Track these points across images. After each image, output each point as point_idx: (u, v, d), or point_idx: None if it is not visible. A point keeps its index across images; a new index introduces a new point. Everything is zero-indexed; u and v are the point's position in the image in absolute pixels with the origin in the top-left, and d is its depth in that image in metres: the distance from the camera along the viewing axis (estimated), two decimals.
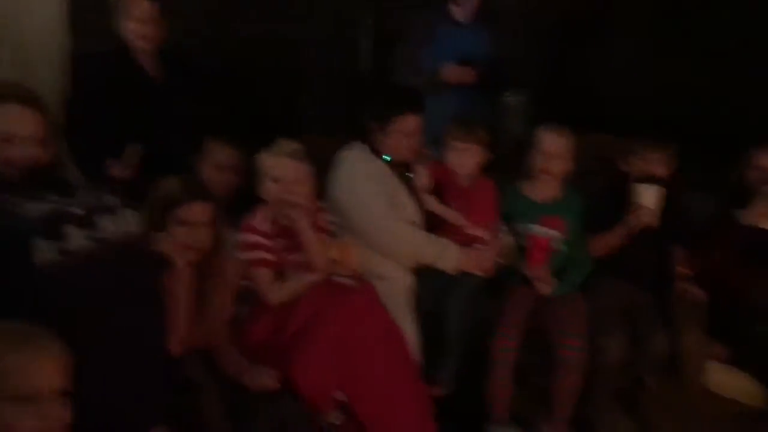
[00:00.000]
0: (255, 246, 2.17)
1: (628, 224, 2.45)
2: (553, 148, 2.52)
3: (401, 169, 2.49)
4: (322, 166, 2.40)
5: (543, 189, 2.59)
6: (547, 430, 2.38)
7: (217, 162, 2.43)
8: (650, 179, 2.46)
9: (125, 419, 1.59)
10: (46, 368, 1.28)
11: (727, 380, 2.36)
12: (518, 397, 2.44)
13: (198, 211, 1.93)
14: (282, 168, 2.19)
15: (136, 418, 1.63)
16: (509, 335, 2.38)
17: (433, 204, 2.49)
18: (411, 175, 2.50)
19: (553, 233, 2.53)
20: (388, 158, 2.46)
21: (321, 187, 2.41)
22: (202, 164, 2.44)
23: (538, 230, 2.52)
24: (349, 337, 2.11)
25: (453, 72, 2.91)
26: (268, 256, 2.18)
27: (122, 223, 1.71)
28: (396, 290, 2.40)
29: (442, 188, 2.52)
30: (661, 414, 2.54)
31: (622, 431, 2.42)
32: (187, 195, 1.94)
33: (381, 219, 2.38)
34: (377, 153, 2.47)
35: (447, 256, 2.40)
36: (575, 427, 2.52)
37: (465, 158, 2.47)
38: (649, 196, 2.41)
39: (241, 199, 2.36)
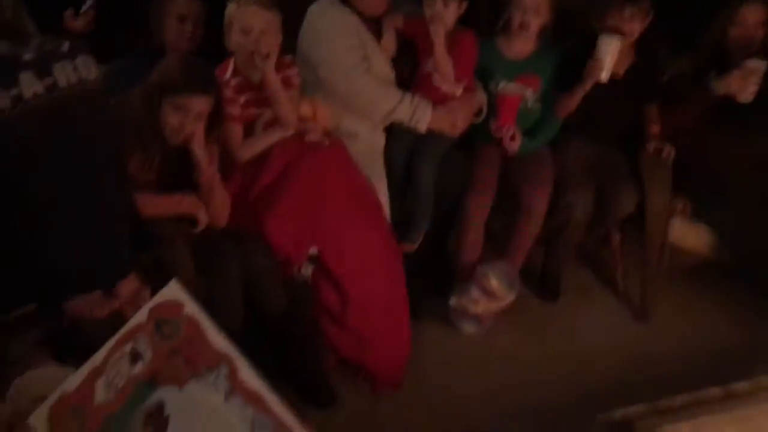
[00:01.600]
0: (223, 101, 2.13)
1: (584, 80, 2.40)
2: (531, 1, 2.43)
3: (373, 23, 2.40)
4: (291, 19, 2.31)
5: (519, 45, 2.52)
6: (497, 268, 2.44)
7: (178, 12, 2.32)
8: (616, 33, 2.39)
9: (91, 273, 1.61)
10: None
11: (688, 234, 2.44)
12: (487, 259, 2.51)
13: (196, 104, 1.90)
14: (250, 17, 2.10)
15: (103, 270, 1.64)
16: (480, 192, 2.41)
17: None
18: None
19: (526, 91, 2.50)
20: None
21: (291, 41, 2.33)
22: (162, 15, 2.33)
23: (511, 88, 2.48)
24: (321, 190, 2.12)
25: None
26: (236, 111, 2.14)
27: (80, 71, 1.64)
28: (367, 148, 2.39)
29: (418, 45, 2.44)
30: (623, 269, 2.66)
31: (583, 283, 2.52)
32: (191, 86, 1.89)
33: (352, 74, 2.31)
34: (349, 5, 2.37)
35: (419, 115, 2.36)
36: (537, 281, 2.64)
37: (441, 12, 2.36)
38: (606, 49, 2.35)
39: (206, 53, 2.28)
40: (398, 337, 2.23)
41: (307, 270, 2.17)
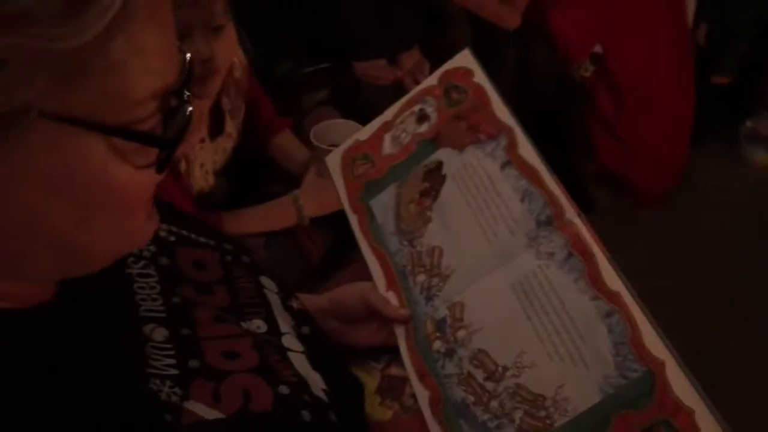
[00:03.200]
0: None
1: None
2: None
3: None
4: None
5: None
6: None
7: None
8: None
9: (381, 39, 1.67)
10: None
11: None
12: None
13: None
14: None
15: (391, 39, 1.69)
16: None
17: None
18: None
19: None
20: None
21: None
22: None
23: None
24: None
25: None
26: None
27: None
28: None
29: None
30: None
31: None
32: None
33: None
34: None
35: None
36: None
37: None
38: None
39: None
40: (672, 155, 2.08)
41: (587, 70, 2.05)
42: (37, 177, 0.39)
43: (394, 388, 0.90)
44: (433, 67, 1.74)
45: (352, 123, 1.26)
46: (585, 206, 2.17)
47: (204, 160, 1.19)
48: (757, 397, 1.56)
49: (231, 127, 1.24)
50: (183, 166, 1.12)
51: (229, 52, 1.10)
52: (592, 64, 2.02)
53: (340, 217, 1.29)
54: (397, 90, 1.77)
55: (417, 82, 1.72)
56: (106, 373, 0.48)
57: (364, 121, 1.30)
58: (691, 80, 2.07)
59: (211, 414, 0.49)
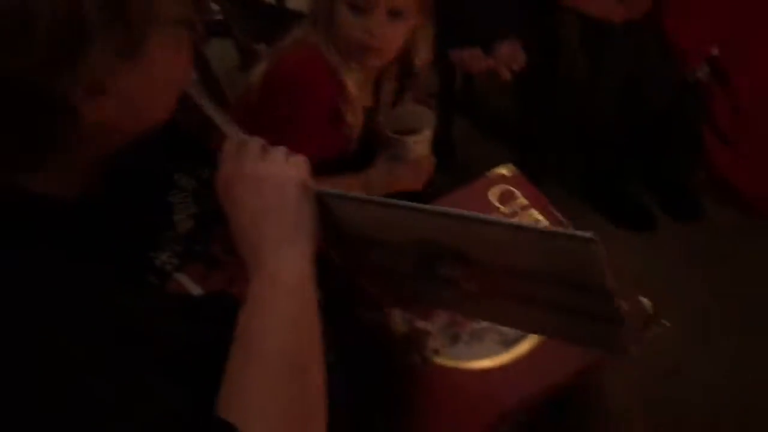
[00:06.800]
0: None
1: None
2: None
3: None
4: None
5: None
6: None
7: None
8: None
9: (480, 23, 1.65)
10: None
11: None
12: None
13: None
14: None
15: (490, 25, 1.66)
16: None
17: None
18: None
19: None
20: None
21: None
22: None
23: None
24: None
25: None
26: None
27: None
28: None
29: None
30: None
31: None
32: None
33: None
34: None
35: None
36: None
37: None
38: None
39: None
40: None
41: (703, 72, 1.96)
42: None
43: (417, 340, 0.97)
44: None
45: (422, 108, 1.27)
46: (693, 213, 2.11)
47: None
48: None
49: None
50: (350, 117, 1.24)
51: (398, 39, 1.20)
52: (708, 67, 1.94)
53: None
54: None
55: (512, 72, 1.72)
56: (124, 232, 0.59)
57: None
58: None
59: (195, 290, 0.59)
